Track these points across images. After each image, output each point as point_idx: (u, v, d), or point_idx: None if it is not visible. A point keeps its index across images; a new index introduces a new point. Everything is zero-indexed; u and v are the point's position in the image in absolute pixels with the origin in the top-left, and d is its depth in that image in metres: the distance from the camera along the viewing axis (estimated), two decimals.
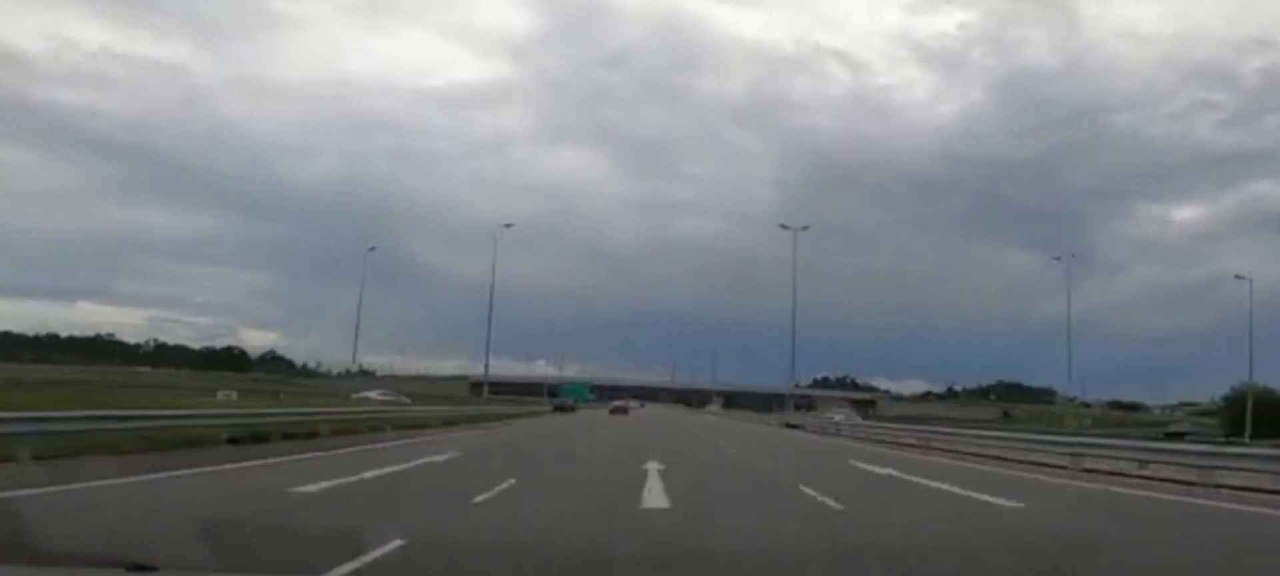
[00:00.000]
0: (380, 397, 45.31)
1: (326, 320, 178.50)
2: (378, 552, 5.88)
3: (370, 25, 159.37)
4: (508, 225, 54.23)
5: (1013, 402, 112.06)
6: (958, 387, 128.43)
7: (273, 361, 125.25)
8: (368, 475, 11.61)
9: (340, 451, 15.92)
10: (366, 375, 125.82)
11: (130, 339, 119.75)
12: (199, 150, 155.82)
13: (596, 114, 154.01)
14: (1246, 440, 43.84)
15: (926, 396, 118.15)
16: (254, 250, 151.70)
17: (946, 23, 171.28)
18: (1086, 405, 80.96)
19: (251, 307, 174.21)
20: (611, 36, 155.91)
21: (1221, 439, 44.81)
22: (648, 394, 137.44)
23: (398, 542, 6.22)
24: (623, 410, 68.80)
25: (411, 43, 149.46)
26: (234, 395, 44.60)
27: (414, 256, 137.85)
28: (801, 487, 12.21)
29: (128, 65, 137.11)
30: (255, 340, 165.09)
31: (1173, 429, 65.85)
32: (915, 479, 14.42)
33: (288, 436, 16.96)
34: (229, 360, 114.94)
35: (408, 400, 46.41)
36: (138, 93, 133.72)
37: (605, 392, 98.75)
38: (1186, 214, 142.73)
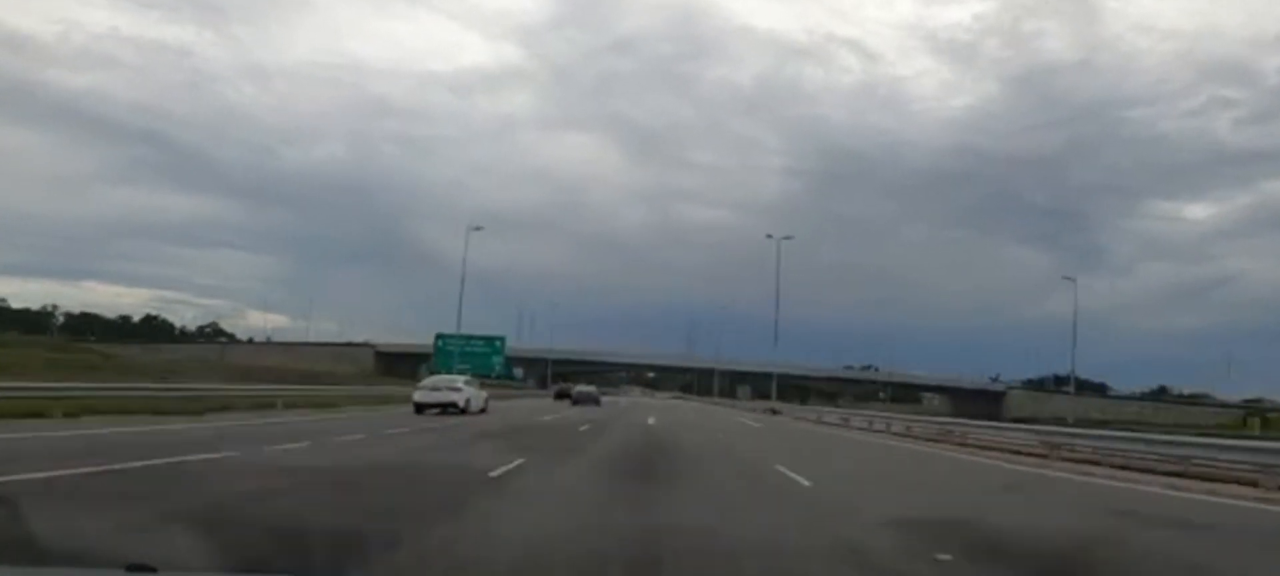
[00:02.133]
0: (464, 385, 29.62)
1: (328, 302, 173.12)
2: None
3: (377, 8, 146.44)
4: (478, 227, 48.08)
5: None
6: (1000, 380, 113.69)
7: (213, 334, 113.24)
8: None
9: None
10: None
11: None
12: (205, 133, 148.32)
13: (605, 100, 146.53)
14: None
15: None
16: (259, 233, 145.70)
17: (962, 13, 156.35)
18: (1225, 406, 64.84)
19: (256, 289, 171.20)
20: (621, 22, 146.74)
21: None
22: (647, 381, 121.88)
23: None
24: (593, 400, 44.25)
25: (418, 26, 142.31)
26: None
27: (419, 239, 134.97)
28: None
29: (136, 48, 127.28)
30: (259, 322, 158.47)
31: None
32: None
33: None
34: (150, 331, 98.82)
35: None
36: (145, 76, 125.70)
37: (597, 378, 78.96)
38: (1200, 212, 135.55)
